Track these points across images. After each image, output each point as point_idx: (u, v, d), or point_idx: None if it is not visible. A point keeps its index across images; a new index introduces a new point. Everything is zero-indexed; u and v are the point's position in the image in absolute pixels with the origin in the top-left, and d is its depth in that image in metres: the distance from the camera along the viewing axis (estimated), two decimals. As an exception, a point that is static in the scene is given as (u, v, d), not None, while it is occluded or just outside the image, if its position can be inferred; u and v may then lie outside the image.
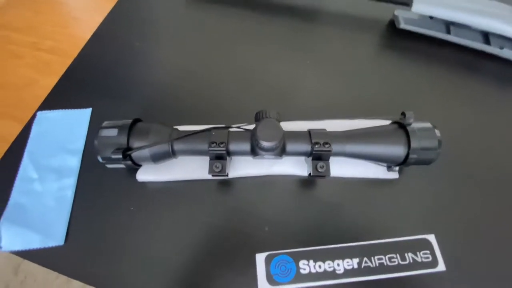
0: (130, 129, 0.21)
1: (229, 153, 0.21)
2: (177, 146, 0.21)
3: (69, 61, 1.06)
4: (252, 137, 0.21)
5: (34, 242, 0.22)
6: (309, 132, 0.21)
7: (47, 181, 0.24)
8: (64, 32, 1.06)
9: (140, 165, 0.22)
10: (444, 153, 0.23)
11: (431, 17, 0.29)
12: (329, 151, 0.20)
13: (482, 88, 0.29)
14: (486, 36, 0.29)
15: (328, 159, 0.21)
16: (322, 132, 0.21)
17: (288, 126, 0.22)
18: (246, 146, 0.21)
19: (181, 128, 0.24)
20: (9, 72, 0.97)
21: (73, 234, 0.22)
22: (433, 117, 0.26)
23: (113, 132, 0.20)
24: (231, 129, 0.22)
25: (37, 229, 0.22)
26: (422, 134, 0.20)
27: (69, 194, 0.23)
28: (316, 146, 0.20)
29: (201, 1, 0.35)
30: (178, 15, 0.34)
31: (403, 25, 0.30)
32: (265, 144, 0.20)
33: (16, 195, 0.23)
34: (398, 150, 0.20)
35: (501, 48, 0.28)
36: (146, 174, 0.23)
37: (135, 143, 0.20)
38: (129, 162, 0.21)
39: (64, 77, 0.29)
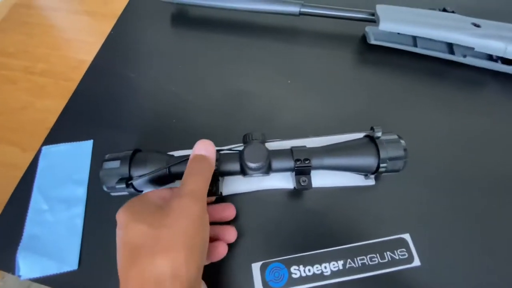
0: (131, 160, 0.23)
1: (221, 174, 0.24)
2: (175, 171, 0.23)
3: (62, 83, 1.09)
4: (240, 158, 0.23)
5: (50, 268, 0.24)
6: (291, 149, 0.24)
7: (57, 211, 0.26)
8: (57, 54, 1.09)
9: (142, 191, 0.25)
10: (416, 158, 0.25)
11: (398, 32, 0.31)
12: (309, 166, 0.23)
13: (450, 93, 0.31)
14: (450, 46, 0.32)
15: (309, 173, 0.24)
16: (303, 149, 0.24)
17: (272, 145, 0.24)
18: (236, 167, 0.23)
19: (177, 153, 0.26)
20: (5, 97, 0.99)
21: (85, 258, 0.24)
22: (405, 124, 0.29)
23: (116, 164, 0.23)
24: (221, 152, 0.24)
25: (52, 256, 0.24)
26: (389, 145, 0.23)
27: (79, 222, 0.25)
28: (298, 162, 0.23)
29: (186, 29, 0.37)
30: (166, 44, 0.36)
31: (373, 41, 0.32)
32: (251, 165, 0.22)
33: (30, 226, 0.26)
34: (369, 161, 0.23)
35: (464, 56, 0.31)
36: None
37: (136, 172, 0.23)
38: (132, 190, 0.23)
39: (63, 112, 0.32)
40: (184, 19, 0.38)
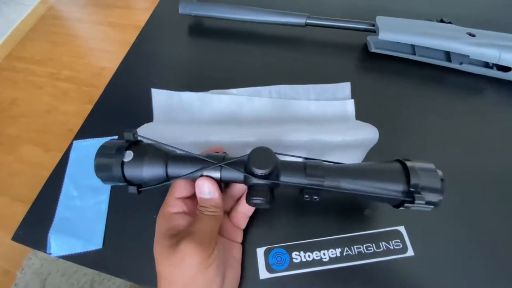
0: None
1: (224, 183, 0.24)
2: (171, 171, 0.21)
3: (84, 89, 1.16)
4: (246, 165, 0.20)
5: (78, 247, 0.27)
6: (305, 163, 0.21)
7: (85, 198, 0.29)
8: (81, 62, 1.17)
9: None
10: (414, 157, 0.27)
11: (397, 41, 0.34)
12: (321, 186, 0.20)
13: (448, 98, 0.33)
14: (447, 54, 0.34)
15: (319, 194, 0.21)
16: (318, 165, 0.20)
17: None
18: (239, 175, 0.21)
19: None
20: (31, 102, 1.07)
21: (108, 239, 0.27)
22: (404, 127, 0.31)
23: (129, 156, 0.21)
24: (224, 163, 0.21)
25: (79, 237, 0.27)
26: (423, 173, 0.19)
27: (104, 207, 0.29)
28: (310, 178, 0.20)
29: (202, 39, 0.41)
30: (184, 52, 0.40)
31: (374, 49, 0.35)
32: (258, 171, 0.19)
33: (61, 210, 0.29)
34: (396, 188, 0.19)
35: (461, 63, 0.33)
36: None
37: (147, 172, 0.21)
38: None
39: (92, 112, 0.35)
40: (200, 29, 0.42)
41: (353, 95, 0.33)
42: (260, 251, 0.25)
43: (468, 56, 0.32)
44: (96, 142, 0.32)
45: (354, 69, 0.36)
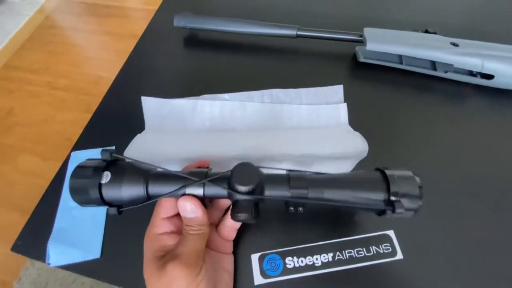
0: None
1: (208, 199, 0.22)
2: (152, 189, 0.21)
3: (82, 98, 1.16)
4: (228, 182, 0.20)
5: (76, 257, 0.27)
6: (288, 176, 0.21)
7: (83, 208, 0.30)
8: (78, 71, 1.17)
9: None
10: (401, 163, 0.28)
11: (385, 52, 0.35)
12: (306, 197, 0.20)
13: (434, 105, 0.34)
14: (433, 63, 0.35)
15: (303, 206, 0.21)
16: (302, 177, 0.21)
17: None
18: (223, 192, 0.21)
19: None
20: (28, 111, 1.07)
21: (107, 249, 0.27)
22: (392, 134, 0.32)
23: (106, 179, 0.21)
24: (206, 180, 0.21)
25: (77, 246, 0.28)
26: (401, 180, 0.20)
27: (102, 217, 0.29)
28: (293, 190, 0.20)
29: (197, 50, 0.42)
30: (179, 63, 0.41)
31: (362, 59, 0.36)
32: (241, 188, 0.19)
33: (60, 220, 0.29)
34: (378, 196, 0.20)
35: (446, 72, 0.35)
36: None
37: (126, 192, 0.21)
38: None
39: (89, 123, 0.36)
40: (195, 41, 0.43)
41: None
42: (255, 257, 0.26)
43: (452, 65, 0.33)
44: (94, 153, 0.33)
45: (344, 78, 0.37)
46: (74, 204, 0.30)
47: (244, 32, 0.39)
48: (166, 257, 0.20)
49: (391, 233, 0.27)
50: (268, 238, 0.27)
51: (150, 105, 0.32)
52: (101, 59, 1.20)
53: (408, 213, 0.20)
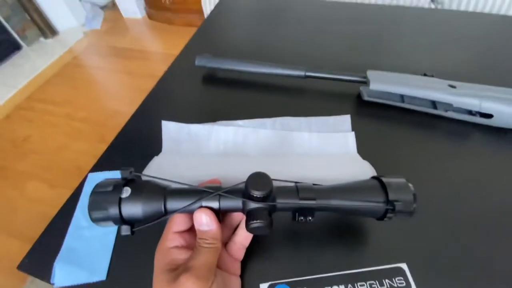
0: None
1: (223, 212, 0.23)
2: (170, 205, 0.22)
3: (98, 129, 1.22)
4: (244, 191, 0.22)
5: (81, 278, 0.27)
6: (296, 186, 0.23)
7: (94, 228, 0.30)
8: (96, 105, 1.25)
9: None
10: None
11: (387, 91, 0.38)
12: (313, 206, 0.22)
13: (435, 141, 0.36)
14: (434, 103, 0.38)
15: (313, 215, 0.23)
16: (309, 187, 0.23)
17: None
18: (238, 203, 0.22)
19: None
20: (45, 139, 1.12)
21: (113, 271, 0.27)
22: (397, 169, 0.33)
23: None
24: (222, 191, 0.22)
25: (84, 267, 0.27)
26: (397, 186, 0.23)
27: (112, 237, 0.29)
28: (303, 201, 0.22)
29: (215, 87, 0.46)
30: (198, 98, 0.45)
31: (366, 98, 0.39)
32: (256, 193, 0.21)
33: (69, 240, 0.30)
34: (378, 200, 0.23)
35: (446, 111, 0.37)
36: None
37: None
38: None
39: (109, 148, 0.38)
40: (213, 79, 0.47)
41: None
42: (264, 287, 0.25)
43: (451, 104, 0.36)
44: (111, 174, 0.34)
45: (350, 113, 0.39)
46: (86, 224, 0.31)
47: (258, 72, 0.43)
48: (178, 270, 0.20)
49: (404, 266, 0.26)
50: (277, 266, 0.26)
51: (169, 129, 0.34)
52: (119, 95, 1.29)
53: (405, 214, 0.22)
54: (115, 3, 1.85)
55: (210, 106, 0.43)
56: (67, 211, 0.32)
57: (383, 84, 0.37)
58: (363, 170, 0.28)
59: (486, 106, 0.35)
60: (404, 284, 0.25)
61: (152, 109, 0.43)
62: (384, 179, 0.23)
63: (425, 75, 0.40)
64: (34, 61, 1.58)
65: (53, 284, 0.27)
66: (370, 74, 0.38)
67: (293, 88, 0.44)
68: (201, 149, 0.33)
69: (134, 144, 0.38)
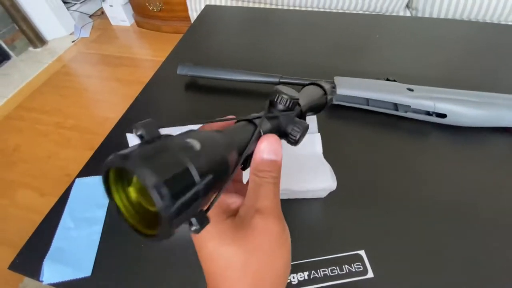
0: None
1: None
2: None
3: (87, 136, 1.23)
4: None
5: (68, 274, 0.29)
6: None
7: (81, 229, 0.32)
8: (85, 113, 1.26)
9: None
10: (370, 189, 0.32)
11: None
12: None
13: (397, 139, 0.39)
14: (395, 105, 0.41)
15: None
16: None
17: None
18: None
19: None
20: (34, 148, 1.12)
21: (98, 267, 0.29)
22: (363, 164, 0.36)
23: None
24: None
25: (70, 265, 0.30)
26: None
27: (97, 237, 0.32)
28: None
29: (196, 94, 0.49)
30: (181, 105, 0.47)
31: (334, 101, 0.42)
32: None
33: (57, 240, 0.32)
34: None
35: (406, 112, 0.40)
36: None
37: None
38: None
39: (96, 153, 0.40)
40: (195, 87, 0.50)
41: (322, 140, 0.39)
42: (236, 275, 0.28)
43: (410, 106, 0.39)
44: (95, 179, 0.37)
45: (320, 118, 0.43)
46: (72, 225, 0.33)
47: (236, 79, 0.46)
48: (237, 215, 0.17)
49: (362, 252, 0.29)
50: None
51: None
52: (109, 102, 1.30)
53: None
54: (104, 11, 1.87)
55: (192, 113, 0.45)
56: (55, 214, 0.34)
57: (348, 89, 0.41)
58: (326, 178, 0.31)
59: (440, 106, 0.38)
60: (362, 269, 0.28)
61: (136, 116, 0.46)
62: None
63: (387, 79, 0.43)
64: (23, 71, 1.58)
65: (42, 281, 0.29)
66: (337, 80, 0.42)
67: (269, 93, 0.47)
68: None
69: (119, 150, 0.40)
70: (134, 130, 0.13)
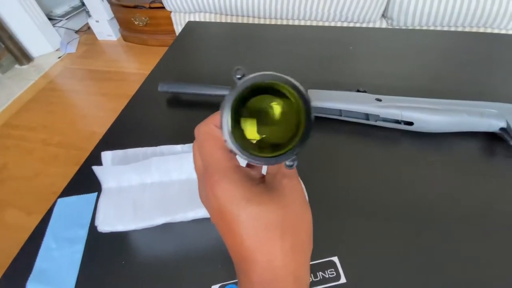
0: None
1: None
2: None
3: (73, 152, 1.22)
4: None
5: (50, 295, 0.30)
6: None
7: (63, 249, 0.33)
8: (72, 128, 1.26)
9: None
10: (343, 197, 0.34)
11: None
12: None
13: (368, 147, 0.42)
14: (366, 114, 0.44)
15: None
16: None
17: None
18: None
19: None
20: (20, 166, 1.11)
21: (80, 286, 0.30)
22: (336, 171, 0.38)
23: None
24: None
25: (53, 285, 0.30)
26: None
27: (79, 256, 0.32)
28: None
29: (178, 109, 0.50)
30: (163, 120, 0.49)
31: (310, 113, 0.44)
32: None
33: (40, 261, 0.32)
34: None
35: (376, 120, 0.43)
36: (107, 226, 0.32)
37: None
38: None
39: (80, 170, 0.41)
40: (177, 102, 0.52)
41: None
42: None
43: (379, 115, 0.42)
44: (77, 199, 0.37)
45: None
46: (55, 245, 0.34)
47: (214, 94, 0.48)
48: (267, 182, 0.19)
49: (335, 259, 0.30)
50: (226, 268, 0.30)
51: (107, 160, 0.38)
52: (96, 117, 1.30)
53: None
54: (90, 26, 1.88)
55: (174, 128, 0.47)
56: (39, 234, 0.35)
57: (322, 101, 0.43)
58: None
59: (406, 115, 0.41)
60: (335, 275, 0.29)
61: (120, 133, 0.47)
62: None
63: (358, 91, 0.46)
64: (9, 88, 1.57)
65: (24, 303, 0.29)
66: (310, 92, 0.44)
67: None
68: (145, 179, 0.37)
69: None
70: (234, 72, 0.15)
